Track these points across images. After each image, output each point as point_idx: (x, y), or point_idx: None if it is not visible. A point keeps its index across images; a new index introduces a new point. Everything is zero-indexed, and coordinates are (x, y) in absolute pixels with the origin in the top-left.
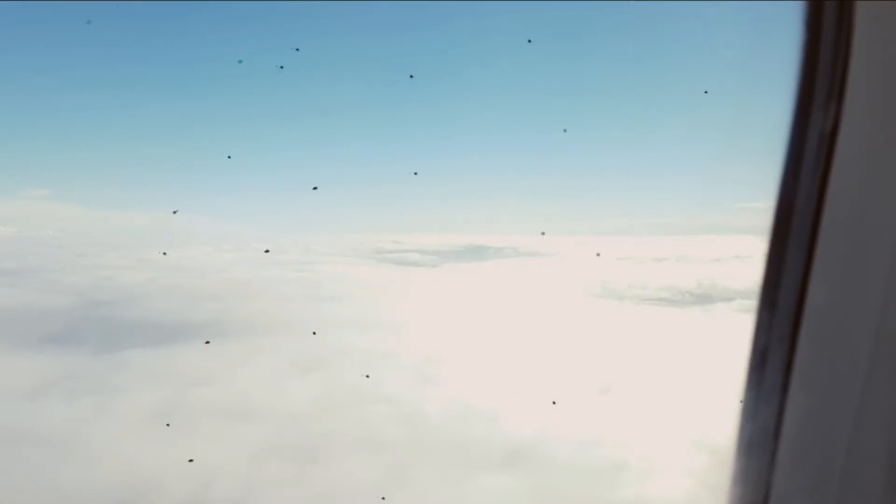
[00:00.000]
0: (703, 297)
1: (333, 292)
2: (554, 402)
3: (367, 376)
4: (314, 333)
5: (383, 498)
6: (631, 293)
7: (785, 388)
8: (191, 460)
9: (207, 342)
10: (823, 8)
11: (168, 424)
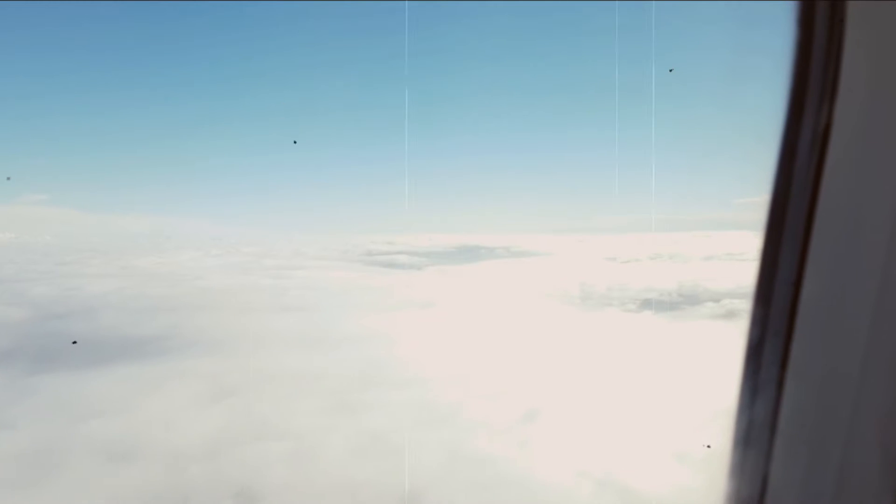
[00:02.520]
0: (689, 299)
1: (301, 301)
2: (475, 432)
3: (283, 404)
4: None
5: None
6: (612, 295)
7: (780, 381)
8: None
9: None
10: (815, 8)
11: (35, 468)
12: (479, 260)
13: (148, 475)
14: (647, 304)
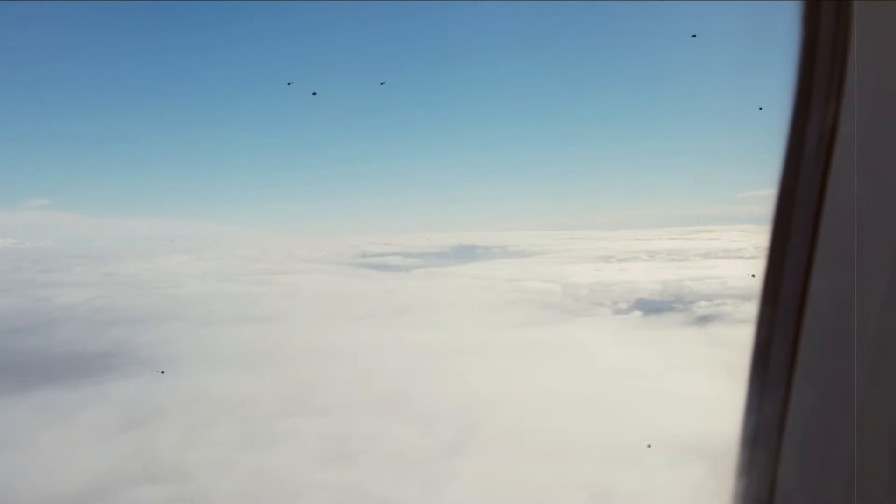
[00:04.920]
0: (681, 299)
1: (271, 310)
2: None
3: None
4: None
5: None
6: (598, 297)
7: (788, 381)
8: None
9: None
10: (821, 6)
11: None
12: (474, 260)
13: None
14: (635, 305)
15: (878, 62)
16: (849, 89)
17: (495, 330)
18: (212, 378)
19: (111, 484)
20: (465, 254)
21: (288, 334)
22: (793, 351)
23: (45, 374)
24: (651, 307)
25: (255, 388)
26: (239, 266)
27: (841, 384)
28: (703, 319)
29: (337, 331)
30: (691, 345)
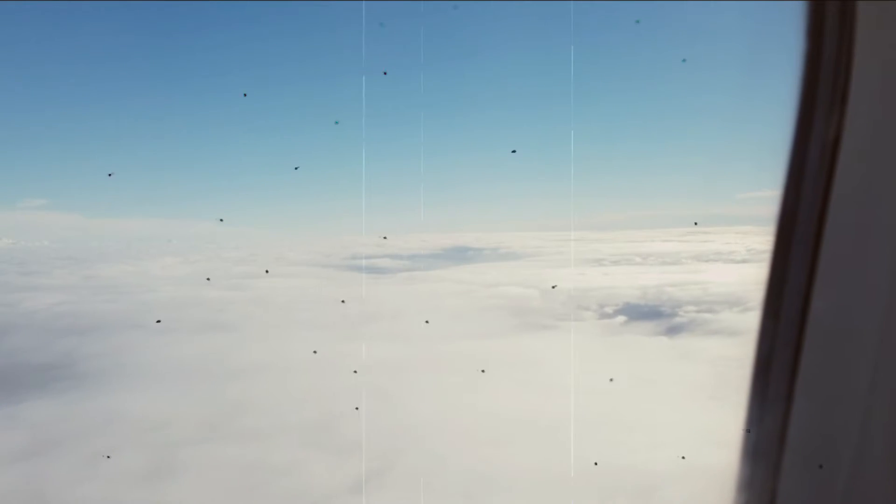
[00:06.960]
0: (668, 304)
1: (237, 318)
2: None
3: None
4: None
5: None
6: (580, 303)
7: (790, 395)
8: None
9: None
10: (825, 10)
11: None
12: (465, 262)
13: None
14: (613, 313)
15: (882, 69)
16: (853, 98)
17: (457, 341)
18: (139, 396)
19: None
20: (457, 256)
21: (240, 346)
22: (794, 365)
23: None
24: (630, 314)
25: (185, 408)
26: (222, 269)
27: (842, 398)
28: (682, 328)
29: (292, 342)
30: (663, 359)
